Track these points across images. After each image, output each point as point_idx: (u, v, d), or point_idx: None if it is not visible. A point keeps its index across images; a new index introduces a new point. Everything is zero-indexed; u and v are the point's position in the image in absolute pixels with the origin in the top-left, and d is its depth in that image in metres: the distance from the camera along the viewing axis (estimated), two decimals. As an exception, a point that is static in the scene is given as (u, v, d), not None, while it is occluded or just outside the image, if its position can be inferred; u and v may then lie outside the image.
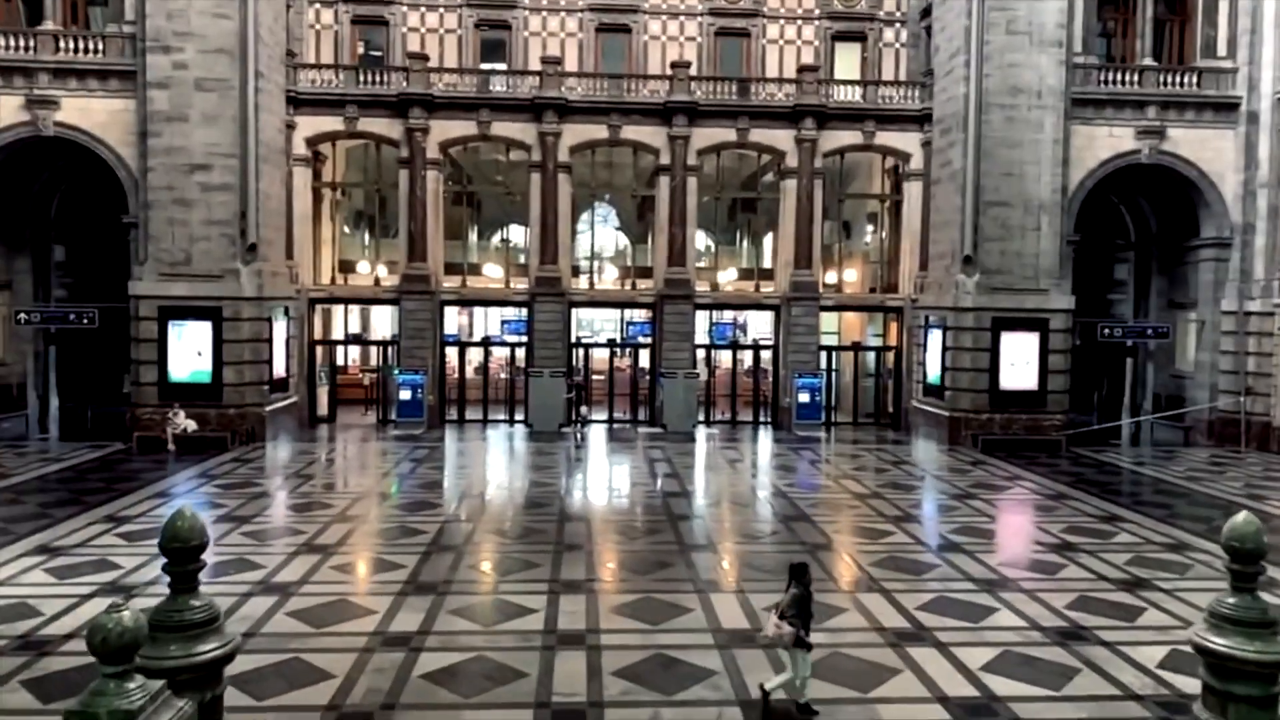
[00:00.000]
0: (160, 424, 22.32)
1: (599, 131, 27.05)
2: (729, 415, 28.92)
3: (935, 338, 25.84)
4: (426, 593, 11.58)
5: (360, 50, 28.97)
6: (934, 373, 25.98)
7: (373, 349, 33.13)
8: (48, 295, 25.96)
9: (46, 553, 13.19)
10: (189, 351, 23.05)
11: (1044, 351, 24.43)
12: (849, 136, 27.41)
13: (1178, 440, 26.12)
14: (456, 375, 29.25)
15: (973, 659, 9.56)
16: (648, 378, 29.07)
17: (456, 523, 15.86)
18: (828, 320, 28.98)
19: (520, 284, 28.38)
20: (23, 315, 24.23)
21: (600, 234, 31.03)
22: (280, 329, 25.01)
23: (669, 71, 27.33)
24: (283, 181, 25.40)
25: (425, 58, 26.86)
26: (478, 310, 32.31)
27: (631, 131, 27.09)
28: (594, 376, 29.88)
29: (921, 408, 26.73)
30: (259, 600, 11.15)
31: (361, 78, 26.58)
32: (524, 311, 27.87)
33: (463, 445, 24.81)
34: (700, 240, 29.25)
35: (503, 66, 28.48)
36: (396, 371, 26.97)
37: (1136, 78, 25.10)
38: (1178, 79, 25.28)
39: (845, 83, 28.03)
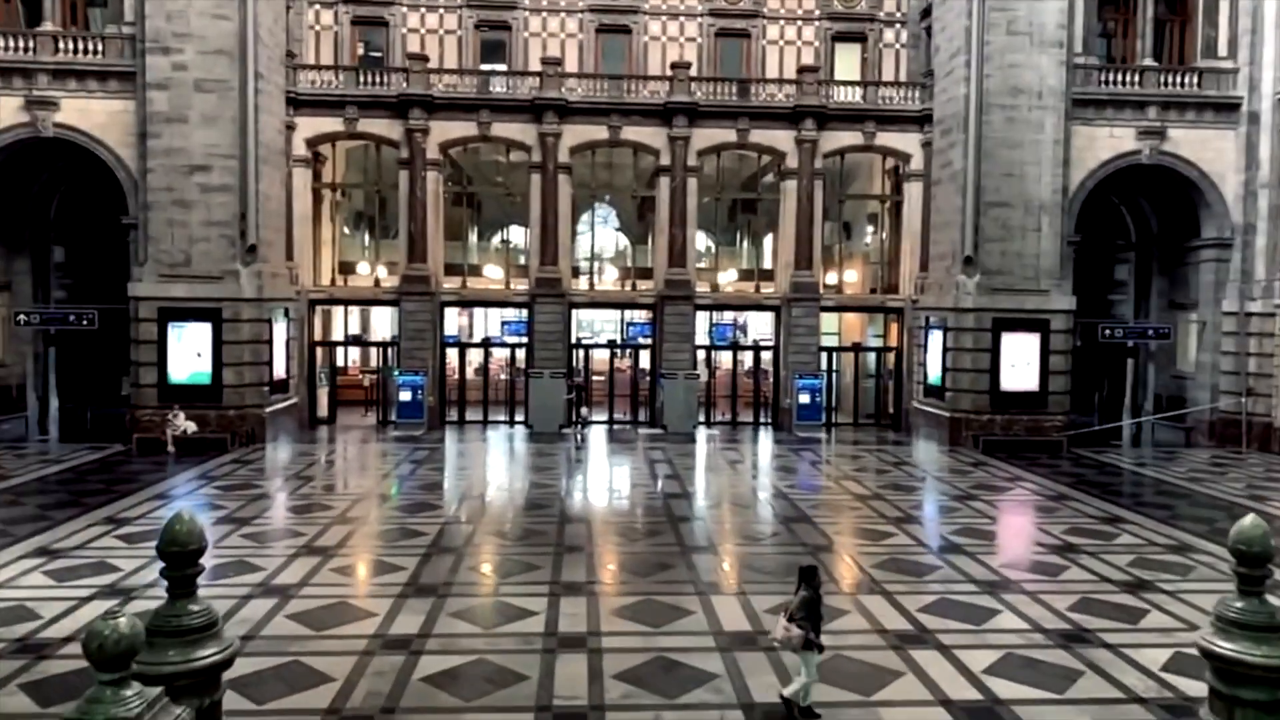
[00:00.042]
0: (160, 425, 22.28)
1: (599, 132, 27.02)
2: (729, 416, 28.88)
3: (936, 338, 25.80)
4: (427, 595, 11.55)
5: (360, 51, 28.94)
6: (934, 374, 25.95)
7: (373, 350, 33.09)
8: (47, 296, 25.93)
9: (46, 555, 13.15)
10: (189, 353, 23.01)
11: (1045, 352, 24.39)
12: (849, 137, 27.38)
13: (1179, 441, 26.08)
14: (456, 376, 29.22)
15: (975, 661, 9.52)
16: (648, 379, 29.03)
17: (457, 524, 15.83)
18: (828, 321, 28.95)
19: (520, 285, 28.34)
20: (22, 316, 24.18)
21: (600, 235, 30.99)
22: (280, 330, 24.98)
23: (669, 72, 27.30)
24: (282, 182, 25.36)
25: (425, 58, 26.83)
26: (478, 311, 32.28)
27: (631, 132, 27.06)
28: (594, 377, 29.84)
29: (922, 409, 26.69)
30: (259, 603, 11.11)
31: (361, 78, 26.56)
32: (524, 312, 27.84)
33: (463, 446, 24.77)
34: (700, 241, 29.22)
35: (503, 67, 28.45)
36: (396, 373, 26.93)
37: (1137, 78, 25.07)
38: (1178, 79, 25.25)
39: (845, 83, 28.01)
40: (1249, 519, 4.70)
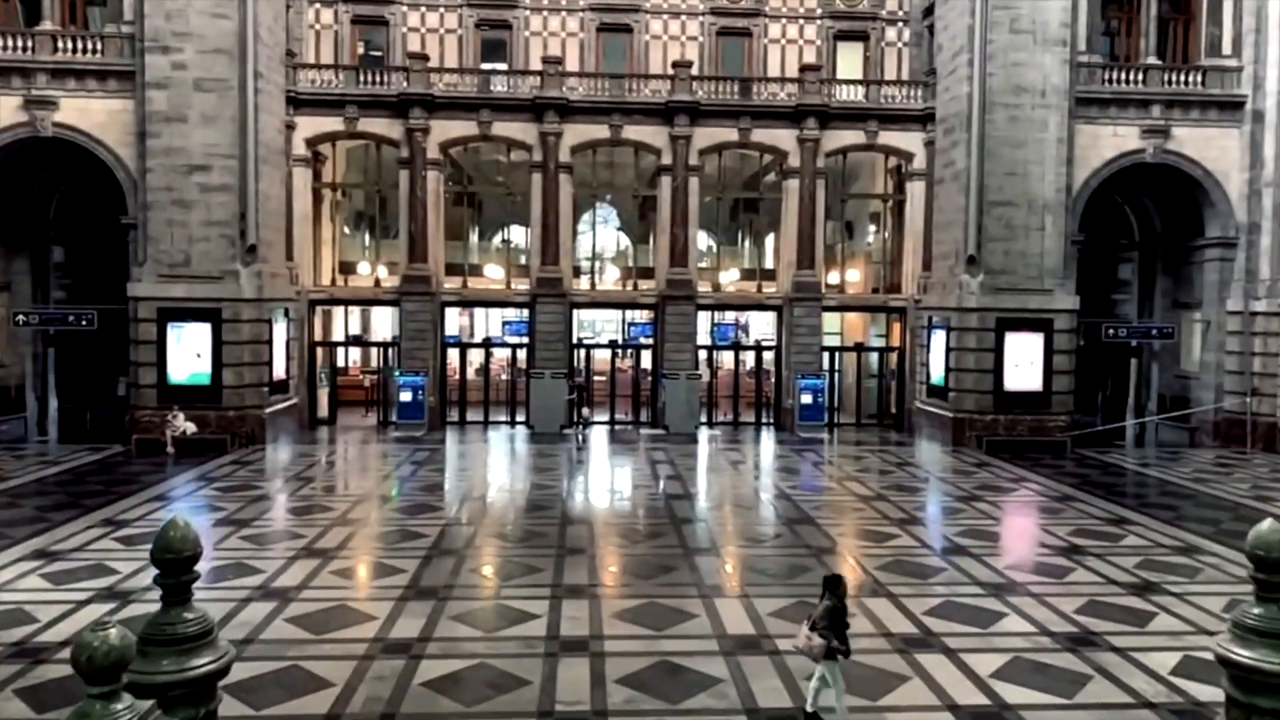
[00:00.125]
0: (159, 426, 22.18)
1: (600, 131, 26.91)
2: (731, 416, 28.77)
3: (939, 338, 25.69)
4: (427, 598, 11.45)
5: (360, 50, 28.85)
6: (938, 374, 25.83)
7: (373, 350, 32.98)
8: (46, 296, 25.84)
9: (43, 557, 13.05)
10: (188, 353, 22.91)
11: (1048, 352, 24.28)
12: (851, 136, 27.27)
13: (1183, 441, 25.96)
14: (457, 377, 29.11)
15: (982, 666, 9.42)
16: (649, 379, 28.94)
17: (458, 526, 15.73)
18: (830, 321, 28.84)
19: (521, 285, 28.24)
20: (21, 317, 24.08)
21: (602, 234, 30.87)
22: (280, 330, 24.88)
23: (670, 71, 27.19)
24: (282, 182, 25.26)
25: (425, 58, 26.72)
26: (478, 311, 32.18)
27: (633, 131, 26.95)
28: (595, 378, 29.74)
29: (925, 409, 26.58)
30: (258, 606, 11.01)
31: (361, 78, 26.45)
32: (525, 312, 27.74)
33: (464, 447, 24.67)
34: (702, 240, 29.11)
35: (503, 66, 28.35)
36: (397, 373, 26.84)
37: (1141, 76, 24.96)
38: (1182, 78, 25.13)
39: (847, 82, 27.91)
40: (1267, 524, 4.58)
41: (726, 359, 31.01)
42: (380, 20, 28.54)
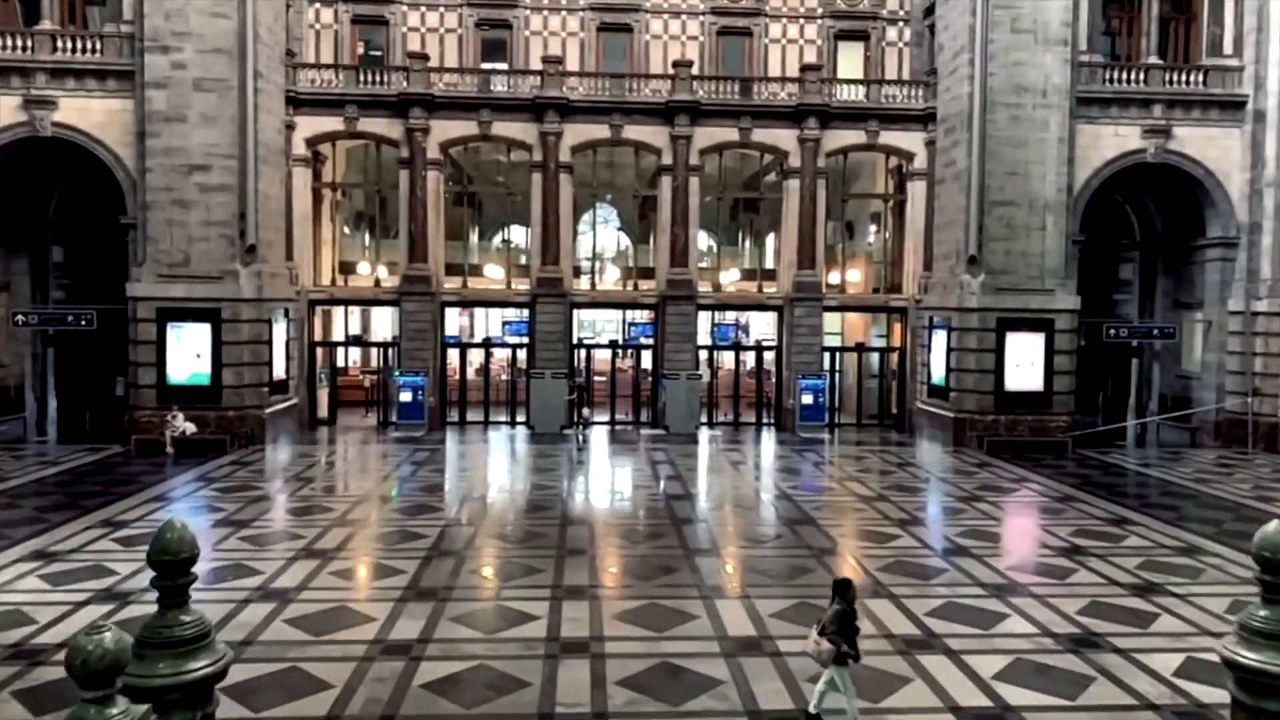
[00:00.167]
0: (159, 427, 22.14)
1: (600, 131, 26.87)
2: (732, 417, 28.72)
3: (940, 338, 25.65)
4: (427, 599, 11.41)
5: (360, 50, 28.81)
6: (938, 374, 25.79)
7: (373, 350, 32.95)
8: (46, 296, 25.80)
9: (42, 558, 13.00)
10: (188, 353, 22.87)
11: (1049, 352, 24.24)
12: (852, 136, 27.22)
13: (1184, 441, 25.91)
14: (457, 377, 29.07)
15: (984, 667, 9.38)
16: (650, 379, 28.90)
17: (458, 527, 15.69)
18: (831, 321, 28.80)
19: (521, 285, 28.19)
20: (20, 317, 24.02)
21: (602, 234, 30.83)
22: (280, 331, 24.84)
23: (671, 71, 27.14)
24: (282, 182, 25.22)
25: (425, 57, 26.68)
26: (479, 311, 32.14)
27: (633, 131, 26.91)
28: (596, 378, 29.70)
29: (926, 409, 26.54)
30: (257, 607, 10.97)
31: (361, 78, 26.41)
32: (525, 312, 27.70)
33: (464, 448, 24.63)
34: (702, 240, 29.07)
35: (503, 66, 28.31)
36: (397, 373, 26.80)
37: (1142, 76, 24.92)
38: (1183, 77, 25.09)
39: (848, 82, 27.88)
40: (1273, 525, 4.53)
41: (727, 359, 30.97)
42: (380, 20, 28.51)
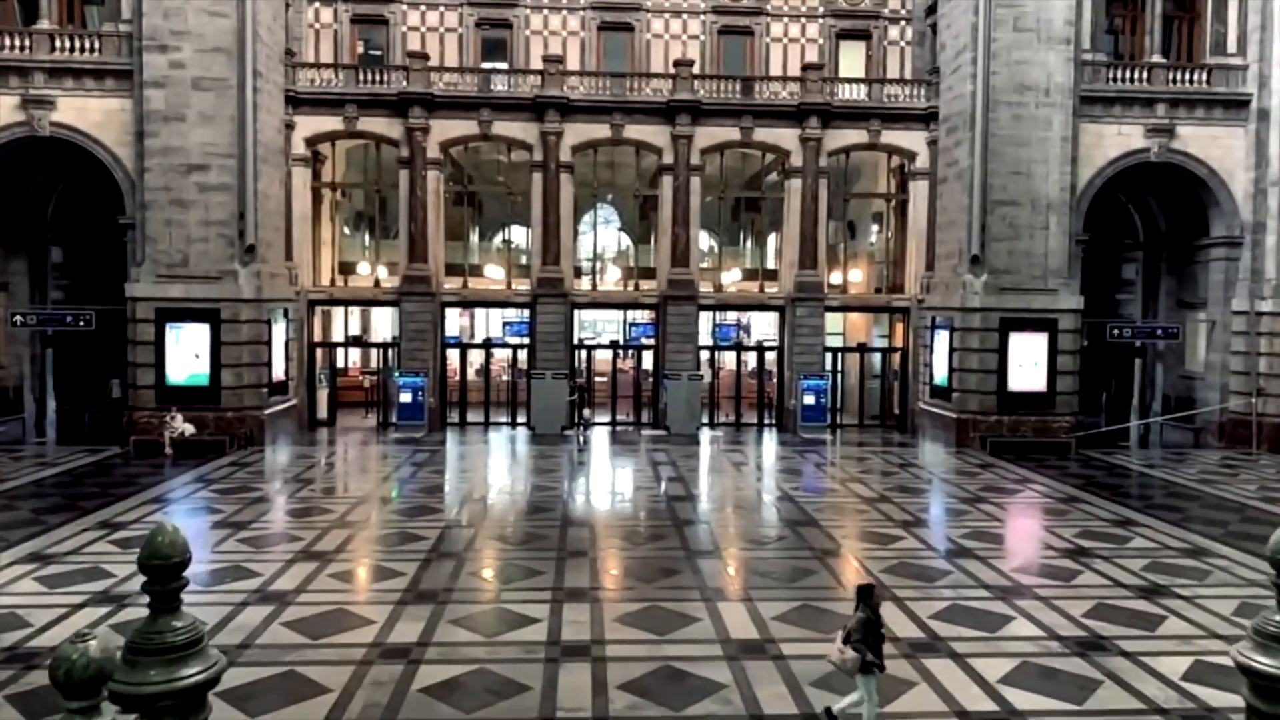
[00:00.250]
0: (157, 428, 22.04)
1: (601, 131, 26.77)
2: (733, 417, 28.62)
3: (942, 339, 25.54)
4: (426, 601, 11.30)
5: (360, 49, 28.73)
6: (941, 374, 25.67)
7: (373, 351, 32.81)
8: (44, 297, 25.71)
9: (38, 560, 12.90)
10: (187, 354, 22.77)
11: (1052, 352, 24.13)
12: (854, 135, 27.12)
13: (1188, 442, 25.80)
14: (458, 377, 28.96)
15: (990, 670, 9.27)
16: (651, 380, 28.78)
17: (457, 528, 15.58)
18: (833, 321, 28.69)
19: (522, 285, 28.09)
20: (19, 317, 23.93)
21: (603, 234, 30.73)
22: (279, 331, 24.74)
23: (672, 70, 27.04)
24: (281, 182, 25.12)
25: (425, 57, 26.58)
26: (479, 312, 32.01)
27: (634, 131, 26.81)
28: (597, 378, 29.60)
29: (928, 409, 26.42)
30: (254, 610, 10.86)
31: (361, 77, 26.31)
32: (526, 313, 27.59)
33: (464, 448, 24.52)
34: (704, 240, 28.97)
35: (504, 65, 28.22)
36: (397, 374, 26.70)
37: (1145, 75, 24.81)
38: (1187, 76, 24.98)
39: (850, 81, 27.78)
40: (1290, 528, 4.42)
41: (728, 360, 30.85)
42: (380, 19, 28.42)
